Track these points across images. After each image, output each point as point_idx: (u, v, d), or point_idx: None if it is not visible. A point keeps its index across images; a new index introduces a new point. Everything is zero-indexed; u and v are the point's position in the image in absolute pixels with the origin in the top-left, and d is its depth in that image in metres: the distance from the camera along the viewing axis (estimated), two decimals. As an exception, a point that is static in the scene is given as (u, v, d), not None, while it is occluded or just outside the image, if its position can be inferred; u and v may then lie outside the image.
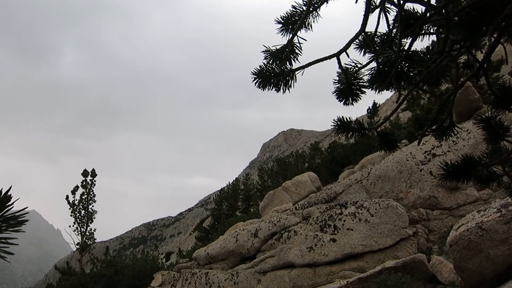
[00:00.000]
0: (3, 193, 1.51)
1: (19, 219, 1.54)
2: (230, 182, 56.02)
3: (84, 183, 39.13)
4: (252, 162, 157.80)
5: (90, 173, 39.33)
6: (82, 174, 39.26)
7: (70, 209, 38.55)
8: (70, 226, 38.46)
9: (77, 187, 39.06)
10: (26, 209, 1.57)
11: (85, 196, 38.92)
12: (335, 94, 3.50)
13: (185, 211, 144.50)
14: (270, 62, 3.27)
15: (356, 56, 3.39)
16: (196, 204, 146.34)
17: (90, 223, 38.62)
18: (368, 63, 3.31)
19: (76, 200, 38.80)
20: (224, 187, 55.63)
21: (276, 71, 3.19)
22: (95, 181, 39.54)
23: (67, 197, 38.86)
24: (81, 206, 38.62)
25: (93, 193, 39.28)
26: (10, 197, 1.52)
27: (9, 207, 1.52)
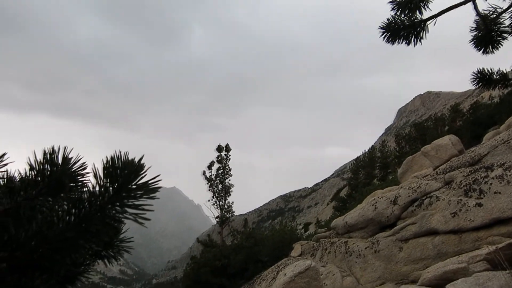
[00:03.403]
0: (136, 162, 1.53)
1: (152, 186, 1.55)
2: (366, 151, 55.39)
3: (219, 158, 40.31)
4: (388, 129, 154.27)
5: (224, 148, 40.39)
6: (216, 149, 40.44)
7: (207, 184, 40.03)
8: (208, 201, 39.98)
9: (212, 162, 40.37)
10: (158, 177, 1.59)
11: (221, 170, 40.09)
12: (472, 42, 3.22)
13: (321, 181, 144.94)
14: (398, 13, 3.05)
15: (495, 0, 3.08)
16: (332, 174, 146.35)
17: (228, 196, 39.79)
18: (509, 7, 3.00)
19: (213, 175, 40.16)
20: (359, 156, 55.00)
21: (406, 23, 2.97)
22: (229, 155, 40.56)
23: (203, 172, 40.38)
24: (217, 181, 39.88)
25: (228, 167, 40.34)
26: (143, 166, 1.53)
27: (143, 175, 1.53)
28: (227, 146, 40.46)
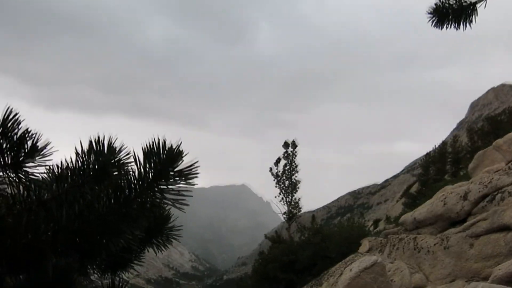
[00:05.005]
0: (174, 148, 1.59)
1: (191, 172, 1.60)
2: (437, 146, 54.03)
3: (285, 154, 40.45)
4: (460, 123, 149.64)
5: (290, 144, 40.46)
6: (283, 146, 40.57)
7: (274, 180, 40.31)
8: (276, 197, 40.25)
9: (279, 159, 40.59)
10: (197, 163, 1.63)
11: (288, 167, 40.25)
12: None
13: (391, 178, 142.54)
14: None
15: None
16: (402, 170, 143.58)
17: (295, 192, 39.89)
18: None
19: (280, 171, 40.39)
20: (430, 151, 53.79)
21: (454, 7, 2.91)
22: (296, 151, 40.60)
23: (270, 169, 40.69)
24: (284, 177, 40.08)
25: (295, 163, 40.44)
26: (181, 152, 1.58)
27: (181, 161, 1.59)
28: (293, 142, 40.44)
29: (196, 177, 1.65)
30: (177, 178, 1.61)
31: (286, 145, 40.40)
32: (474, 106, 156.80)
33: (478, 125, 56.68)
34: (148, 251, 2.13)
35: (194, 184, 1.65)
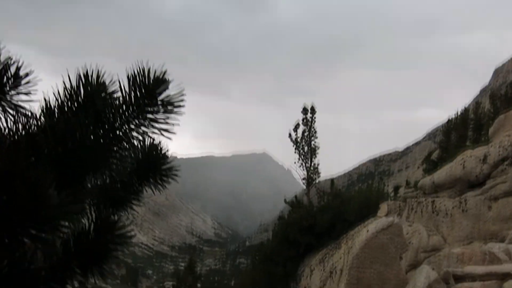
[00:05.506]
0: (159, 74, 1.57)
1: (178, 100, 1.57)
2: (459, 112, 53.39)
3: (304, 120, 40.61)
4: (483, 90, 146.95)
5: (309, 110, 40.60)
6: (301, 111, 40.72)
7: (293, 146, 40.62)
8: (295, 162, 40.67)
9: (298, 124, 40.82)
10: (183, 91, 1.60)
11: (306, 132, 40.47)
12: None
13: (412, 145, 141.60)
14: None
15: None
16: (424, 137, 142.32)
17: (314, 158, 40.22)
18: None
19: (299, 137, 40.61)
20: (451, 118, 53.22)
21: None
22: (314, 117, 40.75)
23: (289, 134, 40.95)
24: (303, 142, 40.34)
25: (314, 129, 40.73)
26: (167, 80, 1.56)
27: (167, 89, 1.56)
28: (312, 107, 40.52)
29: (183, 105, 1.62)
30: (163, 107, 1.58)
31: (304, 110, 40.46)
32: (498, 72, 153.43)
33: (501, 91, 55.64)
34: (146, 191, 2.11)
35: (181, 114, 1.63)
